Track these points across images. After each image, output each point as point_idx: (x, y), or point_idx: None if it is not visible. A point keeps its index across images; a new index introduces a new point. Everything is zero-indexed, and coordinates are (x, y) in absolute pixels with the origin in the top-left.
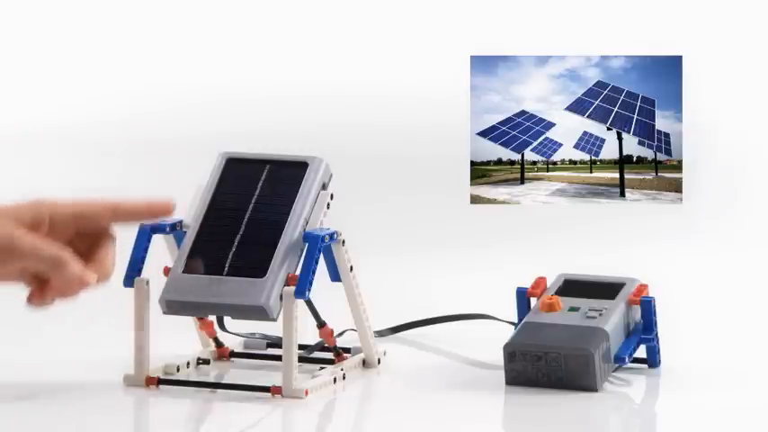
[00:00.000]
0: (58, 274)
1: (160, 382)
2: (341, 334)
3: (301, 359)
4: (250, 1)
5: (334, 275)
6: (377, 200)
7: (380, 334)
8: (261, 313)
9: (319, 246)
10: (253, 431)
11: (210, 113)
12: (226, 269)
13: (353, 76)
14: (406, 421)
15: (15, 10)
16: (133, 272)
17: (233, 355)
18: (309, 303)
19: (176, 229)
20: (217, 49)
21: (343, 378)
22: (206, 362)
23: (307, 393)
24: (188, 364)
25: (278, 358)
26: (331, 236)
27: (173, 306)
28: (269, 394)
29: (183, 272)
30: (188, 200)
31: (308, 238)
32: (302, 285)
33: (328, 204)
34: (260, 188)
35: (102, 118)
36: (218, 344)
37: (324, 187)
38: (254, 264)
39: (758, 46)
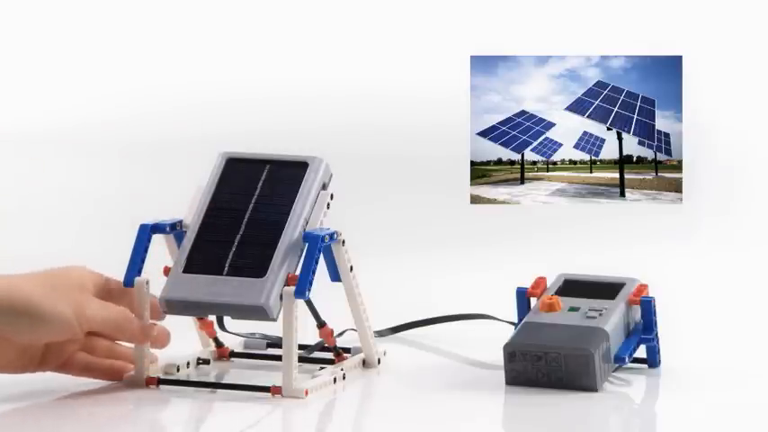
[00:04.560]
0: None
1: (160, 382)
2: (341, 334)
3: (301, 359)
4: (250, 1)
5: (335, 275)
6: (377, 200)
7: (380, 334)
8: (261, 313)
9: (319, 246)
10: (253, 431)
11: (210, 114)
12: (226, 269)
13: (353, 76)
14: (406, 421)
15: (15, 10)
16: (133, 272)
17: (233, 355)
18: (309, 303)
19: (176, 229)
20: (217, 50)
21: (343, 378)
22: (206, 362)
23: (307, 393)
24: (188, 364)
25: (278, 358)
26: (331, 236)
27: (173, 306)
28: (269, 394)
29: (182, 272)
30: (188, 200)
31: (308, 238)
32: (302, 285)
33: (328, 204)
34: (260, 188)
35: (102, 118)
36: (218, 344)
37: (324, 187)
38: (254, 264)
39: (758, 46)
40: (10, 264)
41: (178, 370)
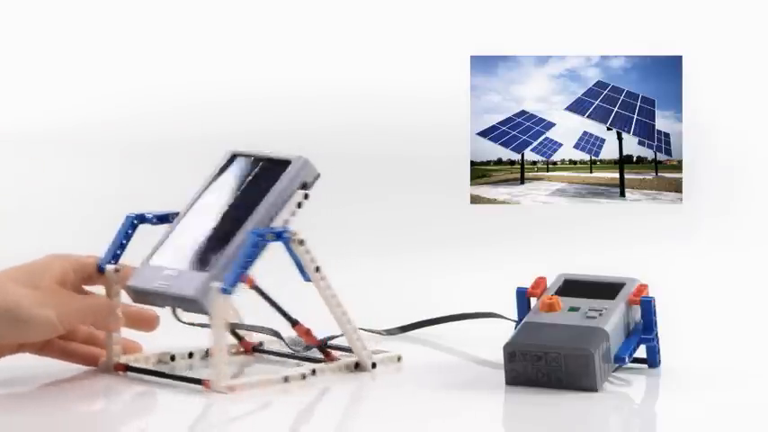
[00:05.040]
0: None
1: (127, 369)
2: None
3: (299, 357)
4: (253, 2)
5: (305, 275)
6: (377, 200)
7: (390, 333)
8: (196, 306)
9: (253, 242)
10: (234, 426)
11: (211, 114)
12: (184, 261)
13: (354, 77)
14: (405, 420)
15: (15, 10)
16: (107, 259)
17: (256, 350)
18: (274, 304)
19: (168, 221)
20: (218, 50)
21: (303, 378)
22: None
23: (234, 390)
24: (190, 354)
25: (301, 357)
26: (278, 235)
27: (134, 293)
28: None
29: (149, 262)
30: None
31: (250, 234)
32: (227, 282)
33: (299, 204)
34: (245, 185)
35: (102, 118)
36: (238, 337)
37: (304, 186)
38: (208, 258)
39: (758, 46)
40: (10, 264)
41: (173, 359)
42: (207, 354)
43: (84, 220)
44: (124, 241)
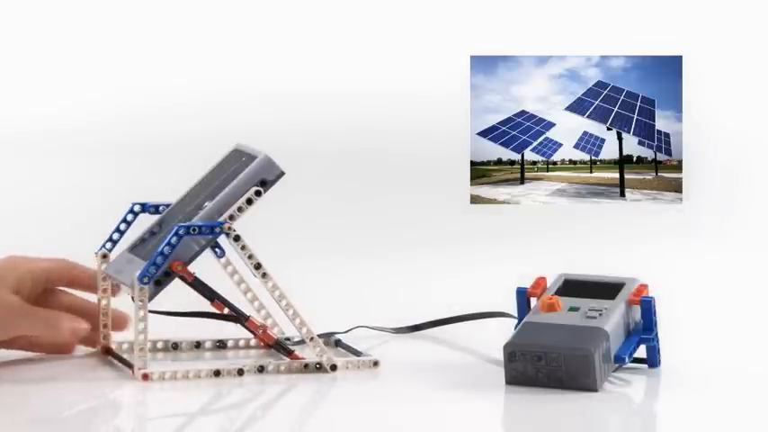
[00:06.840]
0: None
1: (108, 352)
2: (348, 331)
3: (283, 349)
4: (255, 3)
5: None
6: (377, 199)
7: (398, 331)
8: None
9: (173, 234)
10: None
11: (212, 113)
12: (145, 250)
13: (355, 76)
14: (406, 421)
15: (15, 10)
16: (103, 244)
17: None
18: (220, 297)
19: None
20: (219, 50)
21: (240, 374)
22: (223, 345)
23: (147, 378)
24: (197, 344)
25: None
26: (208, 228)
27: (110, 279)
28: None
29: (128, 250)
30: None
31: (175, 226)
32: (142, 271)
33: (249, 200)
34: (220, 179)
35: (102, 118)
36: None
37: (263, 183)
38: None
39: (758, 46)
40: None
41: (175, 348)
42: (217, 344)
43: (84, 221)
44: (123, 227)
